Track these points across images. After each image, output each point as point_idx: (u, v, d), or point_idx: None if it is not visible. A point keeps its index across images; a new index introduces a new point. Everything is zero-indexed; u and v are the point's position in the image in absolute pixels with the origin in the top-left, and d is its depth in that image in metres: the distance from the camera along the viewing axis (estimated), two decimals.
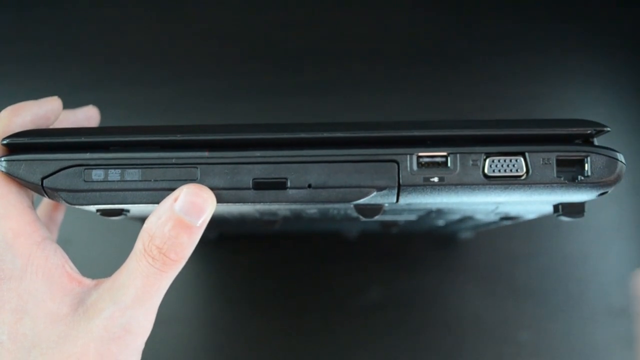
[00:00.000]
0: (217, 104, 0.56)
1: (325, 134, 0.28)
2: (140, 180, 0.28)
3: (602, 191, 0.29)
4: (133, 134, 0.28)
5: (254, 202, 0.28)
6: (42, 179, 0.28)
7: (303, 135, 0.28)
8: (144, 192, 0.28)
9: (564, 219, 0.30)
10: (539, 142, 0.28)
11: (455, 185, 0.28)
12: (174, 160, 0.28)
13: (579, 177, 0.28)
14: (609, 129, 0.28)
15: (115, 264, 0.29)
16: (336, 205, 0.30)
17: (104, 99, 0.40)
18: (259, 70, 0.56)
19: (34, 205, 0.30)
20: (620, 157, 0.28)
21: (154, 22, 0.57)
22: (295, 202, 0.28)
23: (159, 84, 0.56)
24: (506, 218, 0.39)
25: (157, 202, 0.28)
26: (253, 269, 0.55)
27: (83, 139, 0.28)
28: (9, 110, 0.30)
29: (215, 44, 0.57)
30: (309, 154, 0.28)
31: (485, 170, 0.28)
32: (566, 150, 0.28)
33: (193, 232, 0.27)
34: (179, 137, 0.28)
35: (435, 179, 0.28)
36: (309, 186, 0.28)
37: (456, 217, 0.39)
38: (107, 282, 0.28)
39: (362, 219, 0.30)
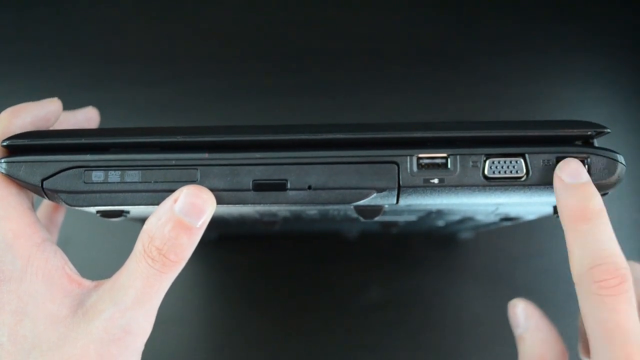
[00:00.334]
0: (217, 104, 0.56)
1: (325, 136, 0.28)
2: (140, 182, 0.28)
3: (602, 192, 0.29)
4: (133, 135, 0.28)
5: (254, 203, 0.28)
6: (42, 180, 0.28)
7: (303, 136, 0.28)
8: (144, 194, 0.28)
9: None
10: (539, 143, 0.28)
11: (455, 186, 0.28)
12: (174, 162, 0.28)
13: None
14: (609, 130, 0.28)
15: (115, 265, 0.29)
16: (336, 207, 0.30)
17: (104, 99, 0.40)
18: (259, 70, 0.56)
19: (34, 206, 0.30)
20: (621, 158, 0.28)
21: (154, 22, 0.57)
22: (295, 203, 0.28)
23: (159, 84, 0.56)
24: (506, 219, 0.39)
25: (157, 204, 0.28)
26: (253, 269, 0.55)
27: (83, 141, 0.28)
28: (8, 111, 0.30)
29: (215, 44, 0.57)
30: (309, 155, 0.28)
31: (485, 172, 0.28)
32: (566, 151, 0.28)
33: (193, 233, 0.27)
34: (179, 139, 0.28)
35: (435, 180, 0.28)
36: (309, 187, 0.28)
37: (456, 217, 0.39)
38: (107, 284, 0.28)
39: (362, 220, 0.30)
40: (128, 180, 0.28)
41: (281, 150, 0.28)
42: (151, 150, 0.28)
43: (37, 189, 0.28)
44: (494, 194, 0.29)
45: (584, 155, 0.28)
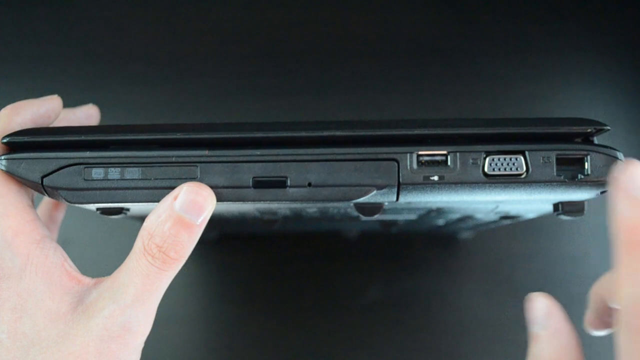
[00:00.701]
0: (217, 104, 0.56)
1: (325, 133, 0.28)
2: (140, 179, 0.28)
3: (602, 190, 0.29)
4: (133, 132, 0.28)
5: (254, 200, 0.28)
6: (42, 177, 0.28)
7: (303, 133, 0.28)
8: (143, 191, 0.28)
9: (564, 217, 0.30)
10: (539, 140, 0.28)
11: (455, 183, 0.28)
12: (174, 159, 0.28)
13: (579, 175, 0.28)
14: (609, 127, 0.28)
15: (115, 263, 0.29)
16: (336, 204, 0.30)
17: (104, 99, 0.40)
18: (259, 70, 0.56)
19: (34, 204, 0.30)
20: (620, 155, 0.28)
21: (154, 22, 0.57)
22: (295, 200, 0.28)
23: (159, 84, 0.56)
24: (506, 217, 0.39)
25: (157, 201, 0.28)
26: (253, 269, 0.55)
27: (83, 138, 0.28)
28: (9, 108, 0.30)
29: (215, 44, 0.57)
30: (309, 152, 0.28)
31: (485, 169, 0.28)
32: (566, 148, 0.28)
33: (193, 230, 0.27)
34: (179, 136, 0.28)
35: (435, 178, 0.28)
36: (309, 185, 0.28)
37: (456, 216, 0.39)
38: (107, 281, 0.28)
39: (362, 217, 0.30)
40: (128, 178, 0.28)
41: (281, 148, 0.28)
42: (151, 147, 0.28)
43: (37, 186, 0.28)
44: (494, 191, 0.29)
45: (584, 152, 0.28)
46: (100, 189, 0.28)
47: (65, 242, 0.32)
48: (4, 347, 0.27)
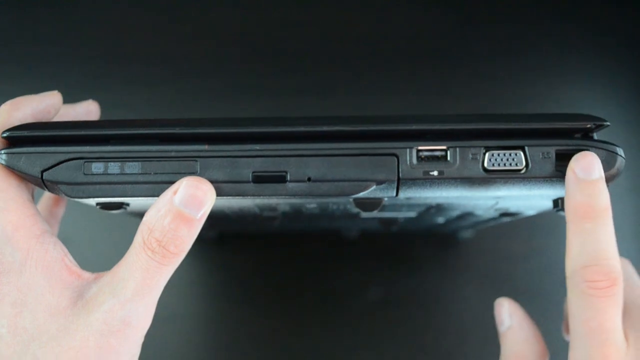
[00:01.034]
0: (217, 103, 0.56)
1: (325, 128, 0.28)
2: (140, 173, 0.28)
3: None
4: (133, 127, 0.28)
5: (253, 195, 0.28)
6: (42, 171, 0.28)
7: (303, 128, 0.28)
8: (143, 185, 0.28)
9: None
10: (539, 136, 0.28)
11: (455, 179, 0.28)
12: (173, 154, 0.28)
13: None
14: (608, 123, 0.28)
15: (115, 258, 0.29)
16: (336, 200, 0.30)
17: (104, 99, 0.40)
18: (259, 70, 0.56)
19: (34, 198, 0.30)
20: (620, 151, 0.29)
21: (154, 22, 0.57)
22: (294, 195, 0.28)
23: (159, 84, 0.56)
24: (506, 214, 0.39)
25: (157, 195, 0.28)
26: (253, 269, 0.55)
27: (83, 132, 0.28)
28: (9, 104, 0.30)
29: (215, 44, 0.57)
30: (309, 147, 0.28)
31: (485, 164, 0.28)
32: (566, 144, 0.28)
33: (192, 224, 0.27)
34: (178, 130, 0.28)
35: (435, 173, 0.28)
36: (309, 179, 0.28)
37: (456, 213, 0.39)
38: (107, 276, 0.28)
39: (362, 213, 0.30)
40: (128, 172, 0.28)
41: (281, 142, 0.28)
42: (151, 142, 0.28)
43: (37, 180, 0.28)
44: (494, 186, 0.29)
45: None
46: (100, 183, 0.28)
47: (65, 237, 0.32)
48: (4, 342, 0.27)
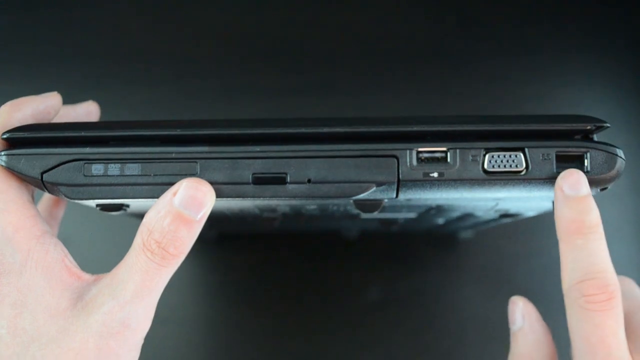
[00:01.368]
0: (217, 104, 0.56)
1: (325, 129, 0.28)
2: (140, 175, 0.28)
3: (601, 187, 0.29)
4: (133, 128, 0.28)
5: (253, 197, 0.28)
6: (42, 173, 0.28)
7: (303, 130, 0.28)
8: (143, 187, 0.28)
9: None
10: (539, 137, 0.28)
11: (455, 180, 0.28)
12: (173, 155, 0.28)
13: None
14: (608, 124, 0.28)
15: (115, 260, 0.29)
16: (336, 201, 0.30)
17: (104, 99, 0.40)
18: (259, 70, 0.56)
19: (34, 200, 0.30)
20: (620, 152, 0.28)
21: (154, 22, 0.57)
22: (294, 197, 0.28)
23: (159, 84, 0.56)
24: (506, 215, 0.39)
25: (157, 197, 0.28)
26: (253, 269, 0.55)
27: (83, 134, 0.28)
28: (9, 105, 0.30)
29: (215, 44, 0.57)
30: (309, 149, 0.28)
31: (485, 166, 0.28)
32: (566, 145, 0.28)
33: (192, 226, 0.27)
34: (178, 132, 0.28)
35: (435, 174, 0.28)
36: (309, 181, 0.28)
37: (456, 214, 0.39)
38: (107, 278, 0.28)
39: (362, 214, 0.30)
40: (128, 173, 0.28)
41: (281, 144, 0.28)
42: (151, 143, 0.28)
43: (37, 182, 0.28)
44: (494, 188, 0.29)
45: (584, 149, 0.28)
46: (100, 184, 0.28)
47: (65, 238, 0.32)
48: (4, 343, 0.27)
